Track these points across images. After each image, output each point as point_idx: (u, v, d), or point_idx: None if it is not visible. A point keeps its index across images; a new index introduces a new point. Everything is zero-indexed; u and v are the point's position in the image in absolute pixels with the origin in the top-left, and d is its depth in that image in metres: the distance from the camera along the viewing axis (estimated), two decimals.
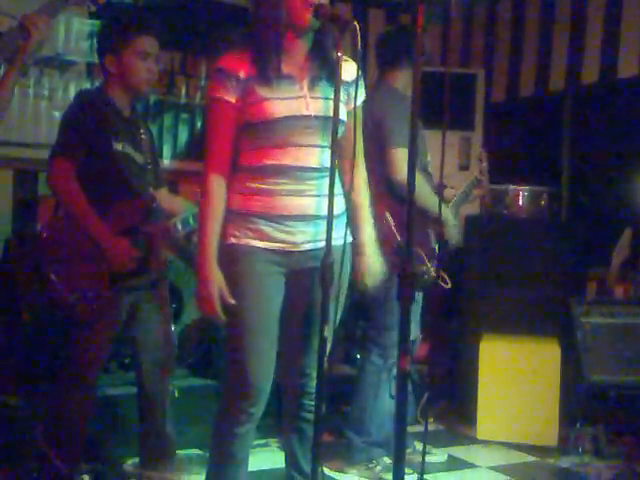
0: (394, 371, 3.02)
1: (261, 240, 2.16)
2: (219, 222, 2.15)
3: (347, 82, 2.18)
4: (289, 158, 2.13)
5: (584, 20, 4.72)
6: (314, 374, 2.18)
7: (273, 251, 2.17)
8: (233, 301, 2.10)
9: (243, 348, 2.15)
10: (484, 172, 3.51)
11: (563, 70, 4.85)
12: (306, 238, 2.18)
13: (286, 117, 2.10)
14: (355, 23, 1.99)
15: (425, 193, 2.99)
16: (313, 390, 2.18)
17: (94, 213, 2.60)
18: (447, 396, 4.23)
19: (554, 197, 4.43)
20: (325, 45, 2.16)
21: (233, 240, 2.17)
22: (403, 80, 3.21)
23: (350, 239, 2.25)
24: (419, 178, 2.97)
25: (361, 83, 2.19)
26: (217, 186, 2.15)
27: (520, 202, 4.31)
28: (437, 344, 4.43)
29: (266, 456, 3.28)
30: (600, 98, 4.76)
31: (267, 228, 2.15)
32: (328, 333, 2.01)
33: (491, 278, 4.16)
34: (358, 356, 3.84)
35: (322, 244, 2.16)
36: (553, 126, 5.00)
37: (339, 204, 2.17)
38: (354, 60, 2.14)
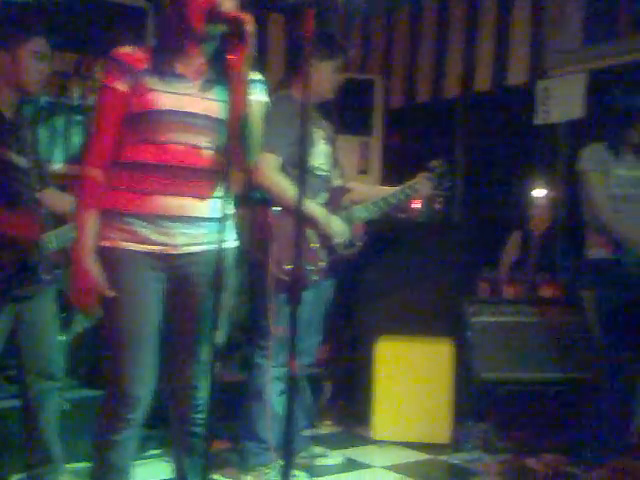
0: (282, 374, 3.01)
1: (137, 243, 2.11)
2: (96, 215, 2.11)
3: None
4: (170, 156, 2.10)
5: (476, 30, 4.89)
6: (203, 384, 2.17)
7: (150, 254, 2.12)
8: (112, 293, 2.07)
9: (119, 355, 2.12)
10: (425, 184, 3.45)
11: (457, 77, 5.00)
12: (187, 240, 2.15)
13: (170, 110, 2.09)
14: (249, 26, 2.00)
15: (289, 194, 2.99)
16: (201, 402, 2.16)
17: None
18: (345, 398, 4.27)
19: (448, 200, 4.56)
20: (224, 51, 2.16)
21: (107, 243, 2.12)
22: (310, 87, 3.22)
23: (235, 244, 2.25)
24: (282, 180, 3.02)
25: (259, 85, 2.20)
26: (95, 176, 2.12)
27: (416, 205, 4.43)
28: (336, 347, 4.48)
29: (162, 467, 3.22)
30: (491, 104, 4.93)
31: (143, 230, 2.11)
32: (219, 339, 2.00)
33: (388, 280, 4.23)
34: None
35: (204, 247, 2.14)
36: (447, 131, 5.14)
37: (224, 207, 2.16)
38: (250, 61, 2.13)
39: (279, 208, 3.04)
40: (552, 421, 3.73)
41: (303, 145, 1.94)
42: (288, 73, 3.36)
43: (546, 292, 4.29)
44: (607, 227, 3.45)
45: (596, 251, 3.48)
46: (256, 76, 2.20)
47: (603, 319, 3.52)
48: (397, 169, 5.16)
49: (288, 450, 2.00)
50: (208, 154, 2.14)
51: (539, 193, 4.54)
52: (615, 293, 3.37)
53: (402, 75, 5.39)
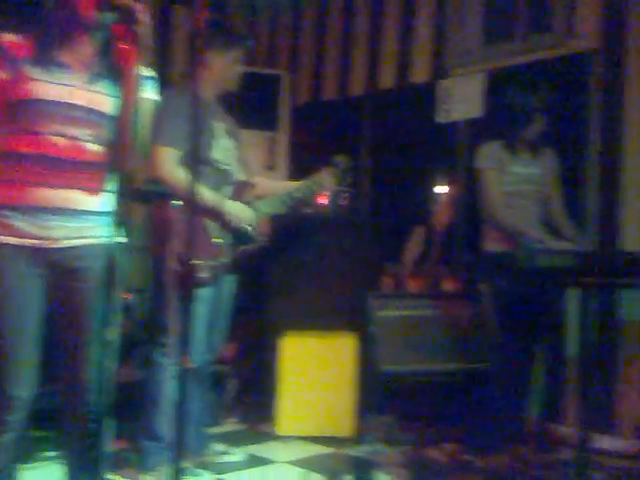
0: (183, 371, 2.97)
1: (15, 237, 2.03)
2: None
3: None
4: (50, 148, 2.04)
5: (380, 29, 4.95)
6: (95, 383, 2.10)
7: (29, 248, 2.05)
8: None
9: None
10: (329, 179, 3.45)
11: (362, 75, 5.05)
12: (67, 234, 2.08)
13: (51, 101, 2.02)
14: (142, 15, 1.94)
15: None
16: (94, 402, 2.10)
17: None
18: (250, 395, 4.26)
19: (354, 196, 4.61)
20: (113, 42, 2.09)
21: None
22: (203, 78, 3.18)
23: (124, 239, 2.20)
24: (181, 173, 2.98)
25: (150, 82, 2.15)
26: None
27: (322, 201, 4.45)
28: (242, 344, 4.45)
29: (55, 469, 3.11)
30: (396, 102, 5.00)
31: (21, 223, 2.04)
32: (112, 337, 1.94)
33: (294, 276, 4.23)
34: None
35: (90, 241, 2.08)
36: (354, 128, 5.19)
37: (109, 201, 2.11)
38: (144, 53, 2.08)
39: (179, 202, 2.99)
40: (452, 412, 3.83)
41: (196, 137, 1.91)
42: (189, 65, 3.32)
43: (448, 286, 4.40)
44: (500, 222, 3.56)
45: (492, 245, 3.60)
46: (148, 72, 2.15)
47: (498, 311, 3.64)
48: (304, 165, 5.16)
49: (180, 446, 1.94)
50: (92, 148, 2.09)
51: (441, 190, 4.65)
52: (508, 286, 3.49)
53: (308, 71, 5.41)
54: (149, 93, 2.17)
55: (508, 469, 3.30)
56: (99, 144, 2.09)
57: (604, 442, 3.61)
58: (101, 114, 2.08)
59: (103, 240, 1.99)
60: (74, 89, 2.07)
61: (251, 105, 4.87)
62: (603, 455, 3.52)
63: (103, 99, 2.09)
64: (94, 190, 2.08)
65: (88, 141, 2.08)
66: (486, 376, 3.71)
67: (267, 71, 5.33)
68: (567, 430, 3.73)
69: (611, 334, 3.74)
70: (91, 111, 2.07)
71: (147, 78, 2.15)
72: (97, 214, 2.12)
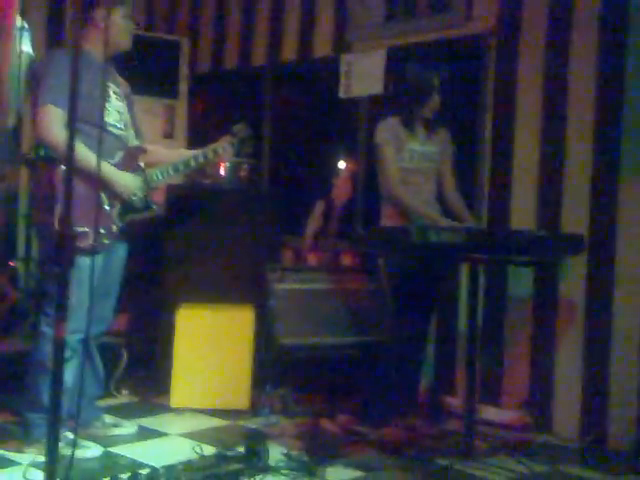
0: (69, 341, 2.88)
1: None
2: None
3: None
4: None
5: (285, 0, 4.89)
6: None
7: None
8: None
9: None
10: (227, 148, 3.39)
11: (264, 46, 4.99)
12: None
13: None
14: None
15: (78, 152, 2.77)
16: None
17: None
18: (145, 367, 4.19)
19: (254, 168, 4.56)
20: None
21: None
22: (95, 39, 3.06)
23: None
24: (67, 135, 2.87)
25: (26, 34, 2.03)
26: None
27: (221, 172, 4.38)
28: (137, 315, 4.36)
29: None
30: (298, 76, 4.98)
31: None
32: None
33: (191, 247, 4.16)
34: None
35: None
36: (255, 99, 5.13)
37: None
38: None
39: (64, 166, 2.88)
40: (347, 384, 3.89)
41: (76, 96, 1.82)
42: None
43: (346, 260, 4.45)
44: (397, 199, 3.62)
45: (389, 221, 3.66)
46: (22, 24, 2.03)
47: (392, 285, 3.71)
48: (203, 134, 5.08)
49: (54, 418, 1.88)
50: None
51: (341, 165, 4.67)
52: (403, 260, 3.56)
53: (209, 39, 5.29)
54: (26, 46, 2.05)
55: (400, 440, 3.38)
56: None
57: (490, 414, 3.75)
58: None
59: None
60: None
61: (150, 72, 4.74)
62: (489, 426, 3.67)
63: None
64: None
65: None
66: (381, 349, 3.78)
67: (167, 37, 5.19)
68: (457, 402, 3.86)
69: (499, 309, 3.88)
70: None
71: (23, 30, 2.02)
72: None
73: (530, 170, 3.82)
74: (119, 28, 3.05)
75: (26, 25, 2.06)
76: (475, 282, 3.23)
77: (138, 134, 3.32)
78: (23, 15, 1.99)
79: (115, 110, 3.11)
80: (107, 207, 3.03)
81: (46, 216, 2.87)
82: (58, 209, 2.83)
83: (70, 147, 1.85)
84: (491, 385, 3.85)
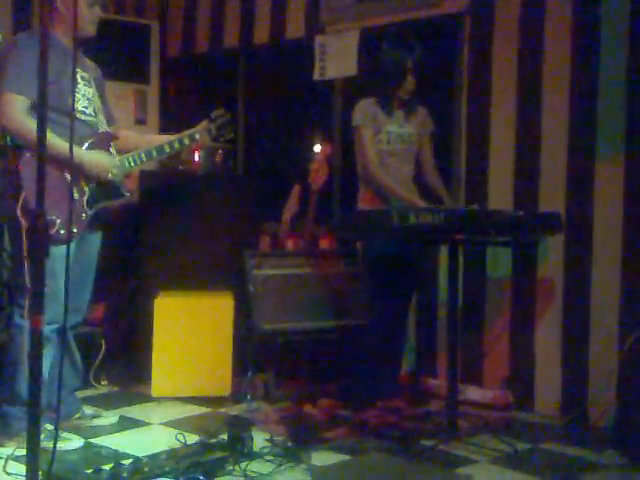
0: (47, 333, 2.83)
1: None
2: None
3: None
4: None
5: None
6: None
7: None
8: None
9: None
10: (204, 133, 3.34)
11: (236, 28, 4.92)
12: None
13: None
14: None
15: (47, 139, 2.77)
16: None
17: None
18: (124, 357, 4.14)
19: (229, 153, 4.52)
20: None
21: None
22: (59, 23, 2.99)
23: None
24: (30, 122, 2.79)
25: None
26: None
27: (196, 158, 4.33)
28: (114, 304, 4.31)
29: None
30: (272, 58, 4.92)
31: None
32: None
33: (167, 235, 4.13)
34: None
35: None
36: (229, 83, 5.07)
37: None
38: None
39: (28, 153, 2.82)
40: (328, 368, 3.89)
41: (42, 82, 1.77)
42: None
43: (324, 244, 4.42)
44: (376, 180, 3.61)
45: (366, 204, 3.64)
46: None
47: (371, 268, 3.70)
48: (176, 120, 5.02)
49: (34, 410, 1.84)
50: None
51: (317, 148, 4.63)
52: (381, 243, 3.55)
53: (180, 22, 5.21)
54: None
55: (382, 422, 3.39)
56: None
57: (472, 393, 3.77)
58: None
59: None
60: None
61: (120, 56, 4.66)
62: (471, 405, 3.68)
63: None
64: None
65: None
66: (362, 332, 3.78)
67: (137, 21, 5.10)
68: (439, 383, 3.87)
69: (479, 290, 3.89)
70: None
71: None
72: None
73: (506, 150, 3.83)
74: (84, 13, 2.98)
75: None
76: (454, 263, 3.23)
77: (110, 119, 3.26)
78: None
79: (83, 96, 3.04)
80: (76, 195, 2.97)
81: (12, 205, 2.82)
82: (22, 197, 2.79)
83: (41, 134, 1.80)
84: (472, 365, 3.87)
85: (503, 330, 3.83)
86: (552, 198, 3.64)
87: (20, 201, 2.81)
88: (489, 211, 3.51)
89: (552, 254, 3.65)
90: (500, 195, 3.83)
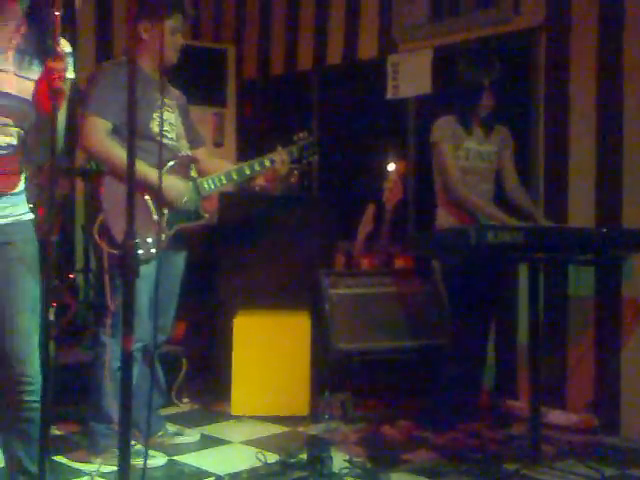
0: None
1: None
2: None
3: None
4: None
5: (328, 3, 4.88)
6: (33, 360, 2.05)
7: None
8: None
9: None
10: (283, 156, 3.37)
11: (309, 50, 4.99)
12: None
13: None
14: None
15: (119, 160, 2.80)
16: (32, 381, 2.04)
17: None
18: (204, 375, 4.21)
19: (305, 173, 4.56)
20: (42, 10, 1.98)
21: None
22: (147, 52, 3.09)
23: (31, 216, 2.14)
24: (111, 144, 2.91)
25: (71, 58, 2.04)
26: None
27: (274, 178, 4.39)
28: (194, 323, 4.39)
29: None
30: (344, 78, 4.96)
31: None
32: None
33: (245, 255, 4.19)
34: None
35: (7, 220, 2.05)
36: (303, 104, 5.13)
37: (21, 182, 2.08)
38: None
39: (110, 176, 2.93)
40: (407, 388, 3.85)
41: (130, 109, 1.84)
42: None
43: (400, 263, 4.40)
44: (460, 196, 3.54)
45: (444, 221, 3.60)
46: (68, 47, 2.04)
47: (450, 287, 3.65)
48: (253, 141, 5.10)
49: (125, 430, 1.88)
50: (8, 131, 2.01)
51: (390, 167, 4.63)
52: (461, 262, 3.50)
53: (255, 46, 5.31)
54: (70, 72, 2.05)
55: (463, 445, 3.33)
56: (21, 128, 2.02)
57: (556, 417, 3.67)
58: (28, 102, 1.99)
59: (22, 218, 2.01)
60: (3, 75, 1.95)
61: (198, 80, 4.77)
62: (555, 429, 3.59)
63: (30, 86, 1.98)
64: (7, 172, 2.02)
65: (11, 126, 2.01)
66: (440, 352, 3.74)
67: (213, 46, 5.23)
68: (520, 405, 3.79)
69: (561, 310, 3.80)
70: (21, 100, 1.98)
71: (68, 54, 2.02)
72: (16, 195, 2.09)
73: (587, 165, 3.74)
74: (167, 42, 3.07)
75: (70, 49, 2.07)
76: (535, 282, 3.16)
77: (196, 141, 3.34)
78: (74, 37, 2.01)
79: (166, 121, 3.14)
80: (155, 216, 3.04)
81: (97, 227, 2.92)
82: (99, 219, 2.88)
83: (131, 159, 1.86)
84: (555, 387, 3.77)
85: (587, 351, 3.72)
86: (636, 214, 3.54)
87: (97, 222, 2.90)
88: (571, 228, 3.43)
89: (638, 272, 3.53)
90: (581, 211, 3.74)
